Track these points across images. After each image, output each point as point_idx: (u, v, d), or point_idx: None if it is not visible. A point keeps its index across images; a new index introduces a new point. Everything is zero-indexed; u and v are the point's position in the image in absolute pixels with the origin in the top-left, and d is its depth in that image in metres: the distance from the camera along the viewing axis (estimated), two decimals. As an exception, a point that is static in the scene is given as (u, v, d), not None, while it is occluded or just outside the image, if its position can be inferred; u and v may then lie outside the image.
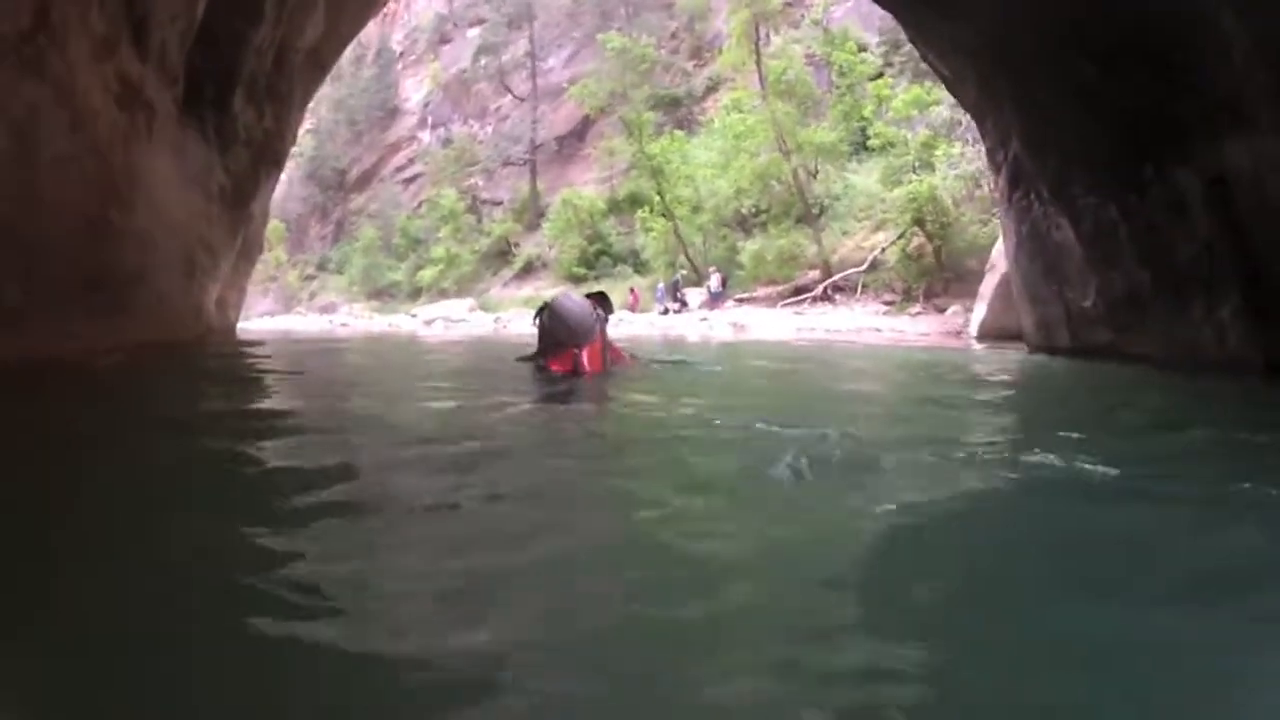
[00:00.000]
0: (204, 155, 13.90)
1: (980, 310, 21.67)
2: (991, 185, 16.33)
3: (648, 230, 41.66)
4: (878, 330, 24.64)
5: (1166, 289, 10.60)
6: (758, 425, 5.28)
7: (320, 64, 18.49)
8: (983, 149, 28.66)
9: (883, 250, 31.60)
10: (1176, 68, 9.21)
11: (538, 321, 8.41)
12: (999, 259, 21.48)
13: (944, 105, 30.60)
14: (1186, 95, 9.25)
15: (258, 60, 14.64)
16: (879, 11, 44.22)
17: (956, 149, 29.44)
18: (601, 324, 8.21)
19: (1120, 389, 9.32)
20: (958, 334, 23.31)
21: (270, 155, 16.92)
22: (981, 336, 20.72)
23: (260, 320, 46.72)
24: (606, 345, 8.38)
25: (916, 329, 24.88)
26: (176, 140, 12.67)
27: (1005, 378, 10.88)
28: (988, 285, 21.80)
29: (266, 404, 7.92)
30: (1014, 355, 14.27)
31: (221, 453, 4.70)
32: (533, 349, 8.67)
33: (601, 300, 8.47)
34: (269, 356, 13.68)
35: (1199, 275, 9.94)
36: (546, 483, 3.98)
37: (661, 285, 36.93)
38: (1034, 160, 12.74)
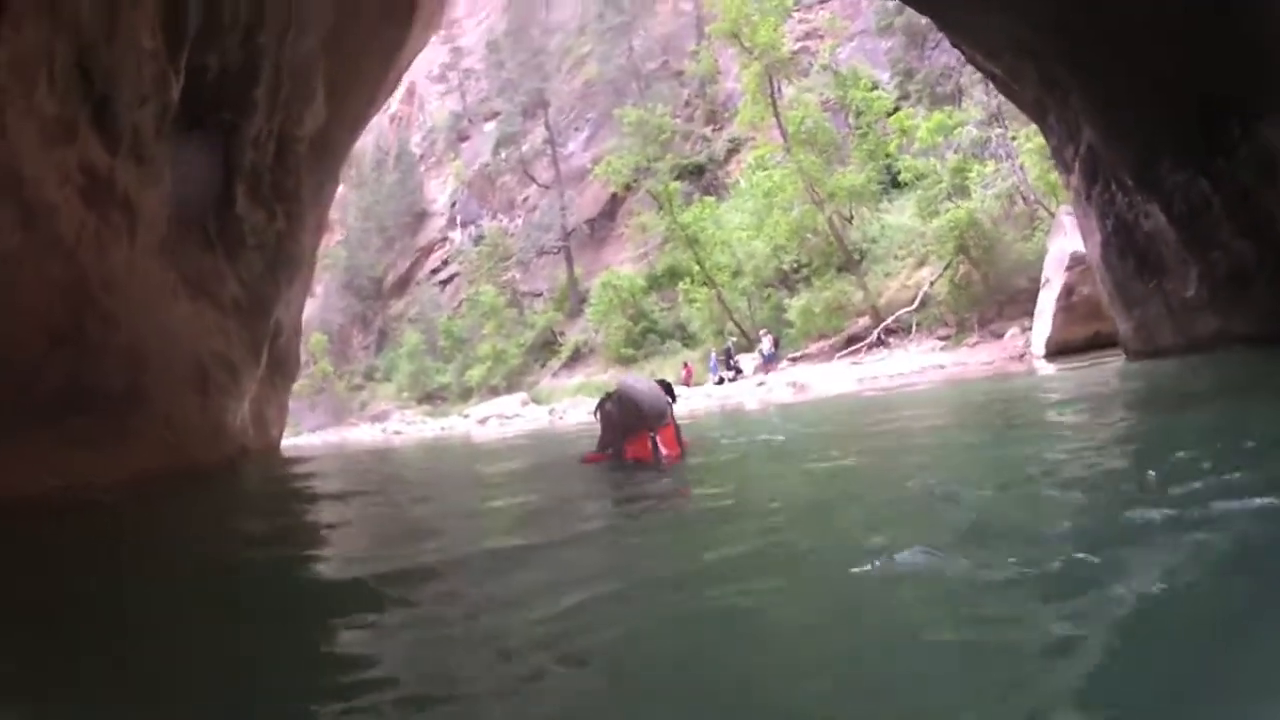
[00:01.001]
0: (209, 262, 12.78)
1: (1042, 327, 21.16)
2: (1065, 183, 15.04)
3: (691, 301, 41.33)
4: (941, 367, 24.01)
5: (1269, 259, 9.84)
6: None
7: (329, 155, 17.31)
8: (1015, 161, 28.64)
9: (931, 284, 31.18)
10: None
11: (600, 412, 7.91)
12: (1053, 271, 21.07)
13: (970, 125, 30.24)
14: (1258, 33, 8.63)
15: (255, 153, 13.51)
16: (884, 46, 45.34)
17: (990, 167, 28.92)
18: (670, 406, 7.75)
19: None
20: (1020, 357, 22.90)
21: (287, 259, 15.73)
22: (1049, 354, 20.20)
23: (310, 435, 46.65)
24: (679, 430, 7.85)
25: (978, 359, 24.47)
26: (170, 245, 11.39)
27: (1135, 393, 10.27)
28: (1045, 300, 21.40)
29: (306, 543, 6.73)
30: (1110, 367, 13.55)
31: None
32: (593, 442, 8.18)
33: (665, 388, 7.96)
34: (313, 475, 13.21)
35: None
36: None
37: (713, 355, 36.27)
38: (1113, 146, 11.89)
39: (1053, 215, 25.36)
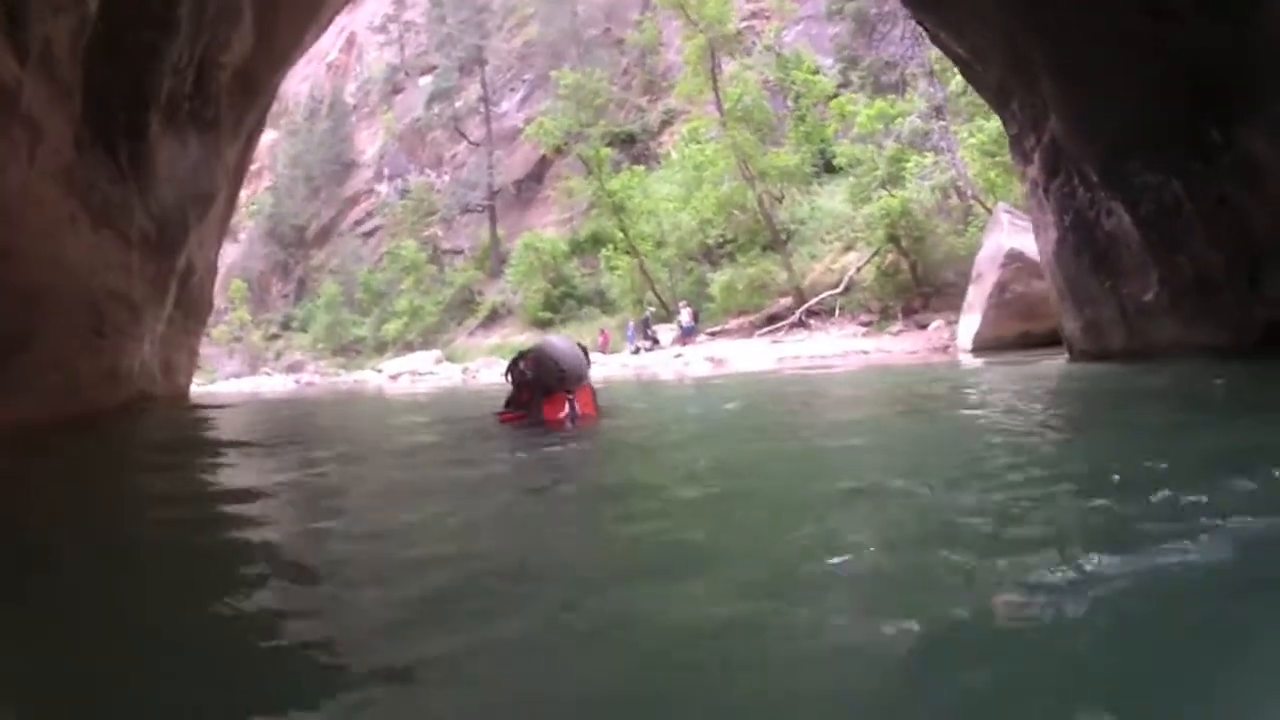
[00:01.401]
0: (117, 192, 11.44)
1: (972, 321, 20.99)
2: (1020, 174, 14.36)
3: (613, 269, 41.05)
4: (864, 352, 23.94)
5: (1241, 268, 9.40)
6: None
7: (254, 87, 15.82)
8: (955, 155, 28.56)
9: (858, 270, 31.11)
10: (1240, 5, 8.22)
11: (513, 372, 7.59)
12: (986, 267, 20.91)
13: (914, 115, 30.20)
14: (1255, 38, 8.21)
15: (175, 80, 12.22)
16: (829, 32, 45.33)
17: (929, 159, 28.88)
18: (587, 369, 7.50)
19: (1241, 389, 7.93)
20: (945, 349, 22.83)
21: (200, 194, 14.48)
22: (977, 349, 20.01)
23: (226, 383, 46.02)
24: (595, 392, 7.64)
25: (902, 347, 24.33)
26: (75, 171, 10.12)
27: (1074, 389, 9.98)
28: (977, 295, 21.17)
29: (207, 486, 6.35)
30: (1050, 364, 13.22)
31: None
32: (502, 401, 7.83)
33: (582, 351, 7.66)
34: (217, 425, 12.50)
35: (1280, 246, 8.85)
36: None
37: (631, 324, 36.09)
38: (1078, 139, 11.35)
39: (989, 212, 25.34)
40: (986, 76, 13.37)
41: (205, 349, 58.93)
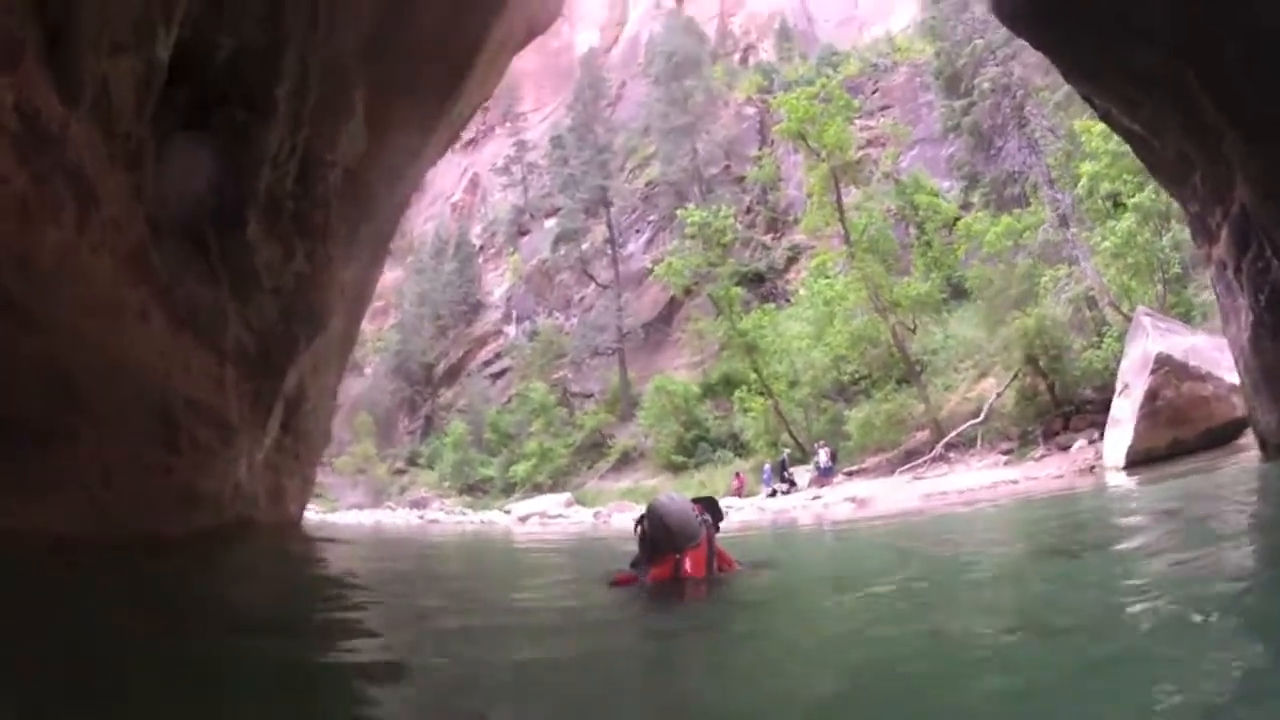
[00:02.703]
0: (207, 295, 10.21)
1: (1120, 435, 20.12)
2: (1205, 257, 13.04)
3: (746, 411, 40.30)
4: (1014, 482, 22.82)
5: None
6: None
7: (370, 197, 14.76)
8: (1088, 264, 27.66)
9: (997, 396, 30.28)
10: None
11: (639, 529, 7.24)
12: (1133, 376, 20.22)
13: (1046, 226, 29.60)
14: None
15: (274, 172, 10.93)
16: (944, 153, 45.13)
17: (1062, 270, 28.19)
18: (709, 528, 7.08)
19: None
20: (1090, 469, 21.97)
21: (307, 311, 13.08)
22: (1129, 465, 19.05)
23: (347, 513, 46.18)
24: (714, 552, 7.17)
25: (1046, 472, 23.39)
26: (147, 256, 8.78)
27: None
28: (1121, 408, 20.50)
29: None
30: (1245, 467, 12.34)
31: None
32: (628, 557, 7.49)
33: (709, 506, 7.36)
34: (329, 560, 12.24)
35: None
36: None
37: (768, 466, 35.20)
38: (1271, 203, 10.27)
39: (1127, 319, 24.68)
40: (1163, 151, 12.38)
41: (328, 479, 60.15)
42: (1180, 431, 18.45)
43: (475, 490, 57.17)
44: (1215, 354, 19.51)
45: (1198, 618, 4.32)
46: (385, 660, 4.60)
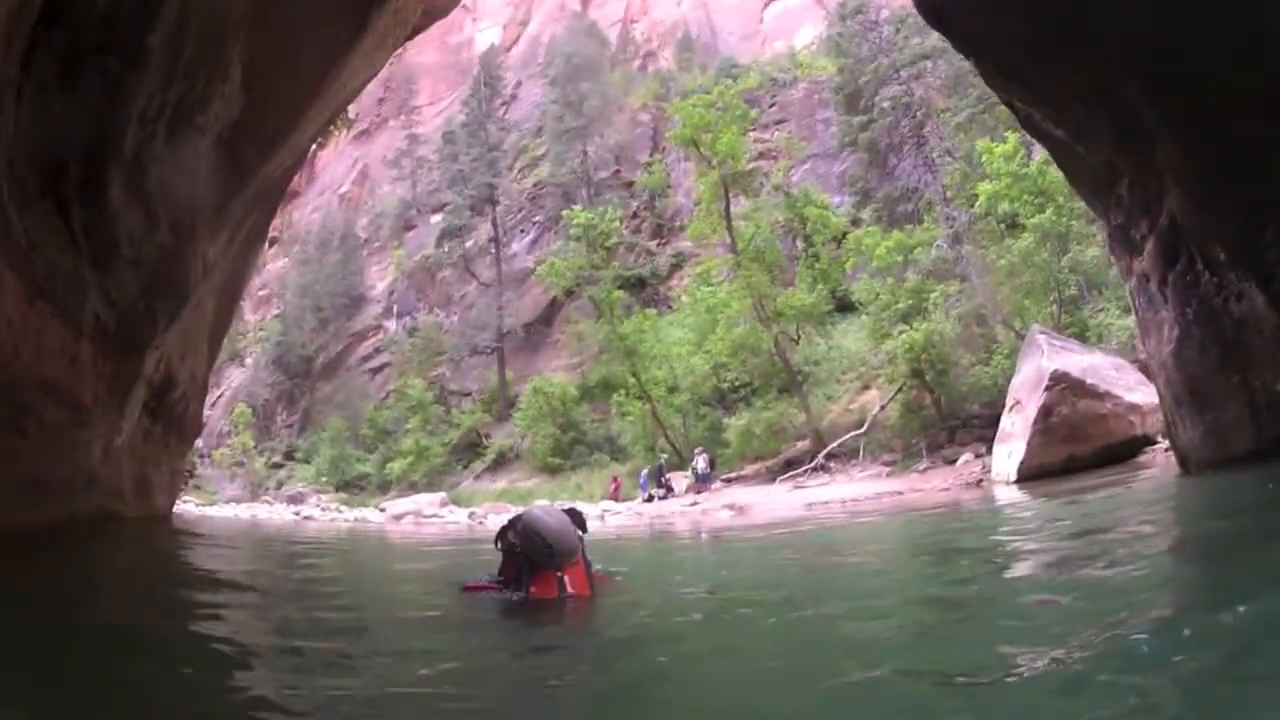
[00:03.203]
0: (66, 263, 9.45)
1: (1011, 451, 20.32)
2: (1125, 270, 12.71)
3: (624, 415, 40.34)
4: (899, 493, 23.09)
5: None
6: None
7: (243, 169, 13.44)
8: (982, 283, 27.96)
9: (881, 408, 30.54)
10: None
11: (503, 540, 6.88)
12: (1026, 393, 20.45)
13: (939, 242, 29.97)
14: None
15: (142, 130, 9.95)
16: (837, 170, 45.67)
17: (954, 287, 28.55)
18: (581, 541, 6.76)
19: None
20: (978, 483, 22.16)
21: (170, 287, 12.14)
22: (1022, 479, 19.21)
23: (224, 507, 45.06)
24: (589, 565, 6.90)
25: (932, 485, 23.62)
26: (9, 221, 8.21)
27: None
28: (1013, 424, 20.72)
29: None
30: (1161, 482, 12.44)
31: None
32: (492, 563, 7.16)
33: (575, 518, 6.96)
34: (191, 556, 11.63)
35: None
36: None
37: (645, 472, 35.01)
38: (1206, 214, 10.01)
39: (1019, 337, 25.20)
40: (1089, 158, 11.90)
41: (207, 471, 58.83)
42: (1076, 448, 18.72)
43: (351, 487, 56.26)
44: (1112, 373, 20.01)
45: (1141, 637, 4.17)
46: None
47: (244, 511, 41.71)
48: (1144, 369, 21.31)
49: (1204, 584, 5.03)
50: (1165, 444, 18.17)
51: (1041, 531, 10.18)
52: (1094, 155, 11.62)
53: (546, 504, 7.29)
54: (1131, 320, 25.06)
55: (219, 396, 74.50)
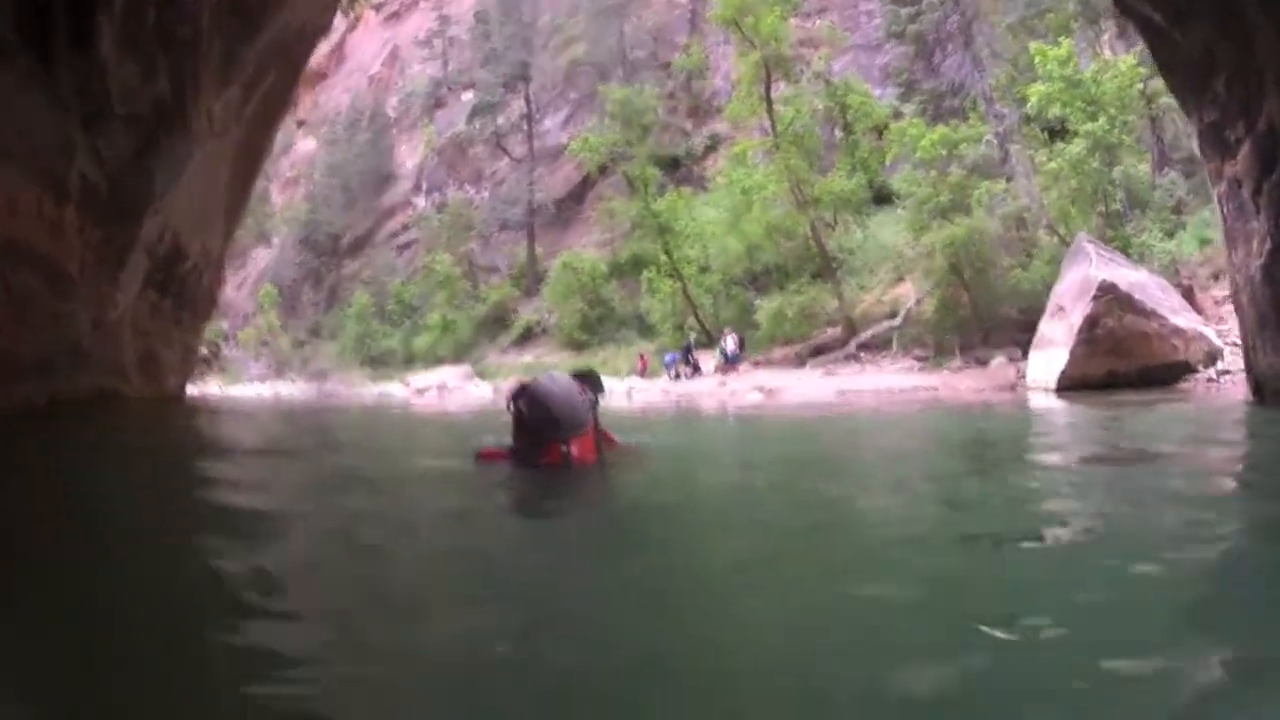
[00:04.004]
0: (51, 120, 8.73)
1: (1051, 358, 19.75)
2: (1214, 173, 11.59)
3: (653, 292, 40.10)
4: (934, 389, 22.63)
5: None
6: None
7: (250, 16, 12.46)
8: (1030, 182, 27.23)
9: (917, 301, 30.05)
10: None
11: (513, 407, 6.42)
12: (1071, 300, 19.74)
13: (989, 139, 29.21)
14: None
15: None
16: (879, 62, 44.48)
17: (1000, 185, 27.86)
18: (593, 409, 6.42)
19: None
20: (1011, 387, 21.67)
21: (168, 147, 11.14)
22: (1060, 389, 18.56)
23: (249, 386, 45.28)
24: (600, 434, 6.52)
25: (965, 384, 23.04)
26: None
27: None
28: (1054, 331, 20.11)
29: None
30: (1224, 408, 11.69)
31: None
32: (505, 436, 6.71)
33: (590, 381, 6.60)
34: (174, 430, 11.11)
35: None
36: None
37: (674, 353, 34.86)
38: None
39: (1064, 243, 24.48)
40: (1185, 46, 10.91)
41: (232, 352, 59.05)
42: (1119, 363, 18.15)
43: (376, 363, 56.65)
44: (1158, 293, 19.30)
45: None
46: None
47: (266, 390, 41.90)
48: (1187, 294, 20.74)
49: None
50: (1209, 373, 17.81)
51: (1107, 443, 9.18)
52: (1191, 42, 10.69)
53: (556, 373, 6.78)
54: (1173, 244, 24.62)
55: (245, 278, 74.75)
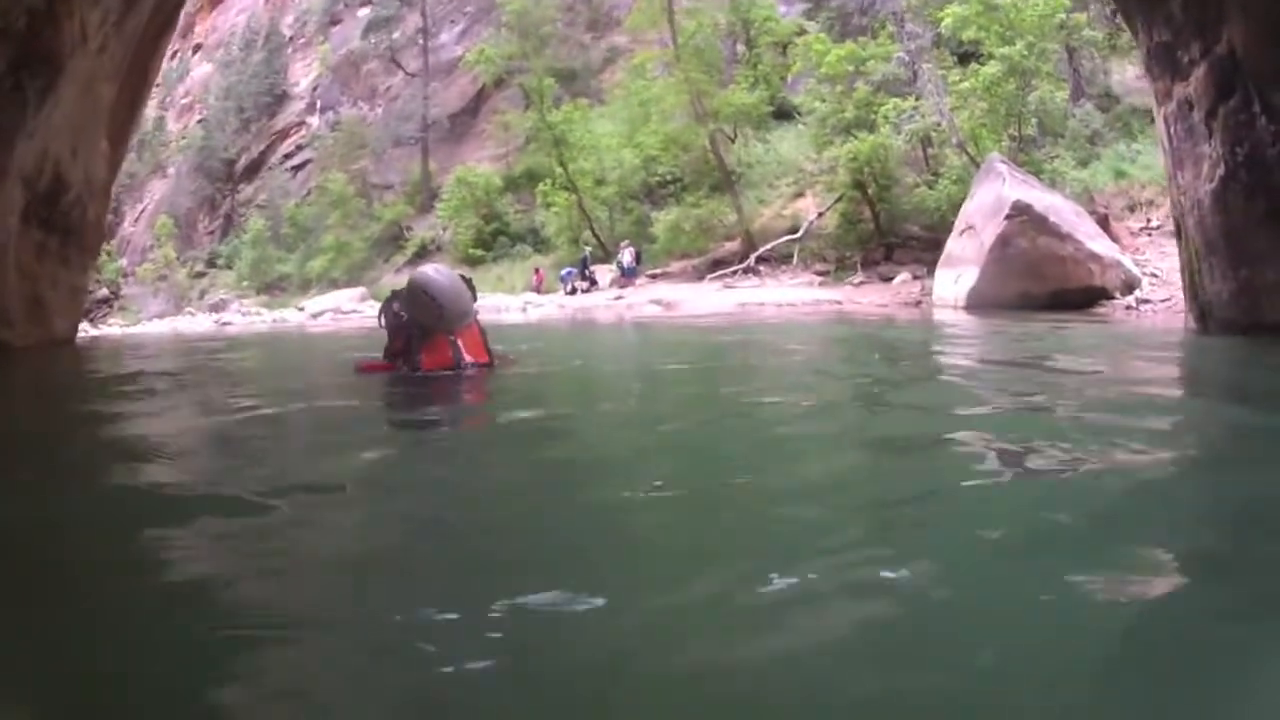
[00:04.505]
0: None
1: (962, 276, 19.41)
2: (1161, 92, 10.98)
3: (549, 206, 39.35)
4: (837, 302, 22.58)
5: None
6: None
7: None
8: (942, 100, 26.75)
9: (820, 215, 29.80)
10: None
11: (387, 314, 6.20)
12: (983, 220, 19.34)
13: (899, 56, 28.84)
14: None
15: None
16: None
17: (909, 102, 27.52)
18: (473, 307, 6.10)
19: None
20: (917, 304, 21.65)
21: (41, 59, 10.57)
22: (970, 306, 18.28)
23: (149, 324, 44.26)
24: (484, 333, 6.19)
25: (869, 299, 23.06)
26: None
27: None
28: (963, 248, 19.84)
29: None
30: (1166, 338, 10.85)
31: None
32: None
33: (466, 284, 6.18)
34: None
35: None
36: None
37: (570, 268, 34.35)
38: (1270, 51, 8.65)
39: (974, 162, 24.24)
40: None
41: (131, 290, 57.35)
42: (1032, 286, 17.72)
43: (273, 289, 55.78)
44: (1073, 217, 18.95)
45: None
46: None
47: (165, 326, 41.09)
48: (1102, 222, 20.41)
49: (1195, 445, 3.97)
50: (1128, 300, 17.44)
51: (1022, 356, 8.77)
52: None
53: (436, 264, 6.28)
54: (1086, 174, 24.45)
55: (143, 210, 72.70)
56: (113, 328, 40.32)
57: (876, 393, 5.87)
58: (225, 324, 38.85)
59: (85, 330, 38.90)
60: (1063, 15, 25.31)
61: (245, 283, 58.00)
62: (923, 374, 7.17)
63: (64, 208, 13.34)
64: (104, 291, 55.68)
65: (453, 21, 59.72)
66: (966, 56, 28.41)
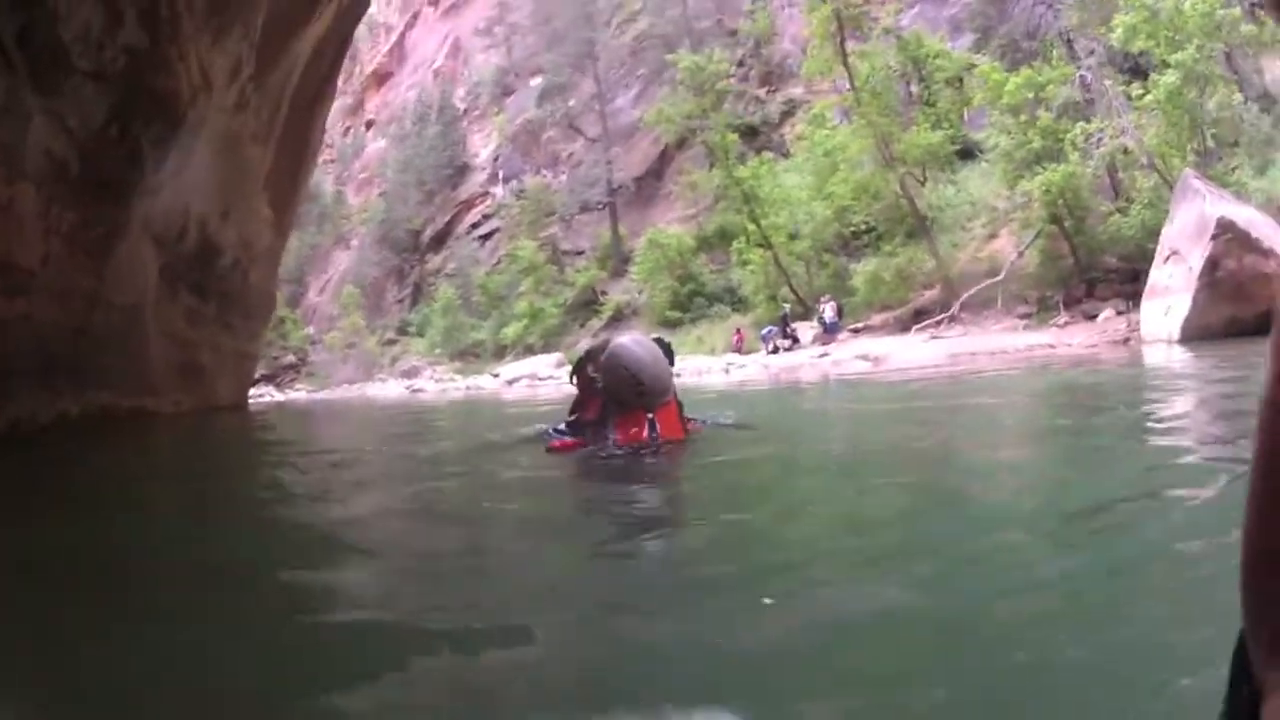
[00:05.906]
0: None
1: (1172, 307, 18.40)
2: None
3: (744, 264, 39.15)
4: (1050, 346, 21.64)
5: None
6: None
7: None
8: (1127, 120, 25.89)
9: (1020, 254, 28.91)
10: None
11: (579, 376, 5.92)
12: (1186, 243, 18.48)
13: (1077, 76, 27.93)
14: None
15: None
16: (944, 14, 43.02)
17: (1095, 124, 26.45)
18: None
19: None
20: (1125, 341, 20.60)
21: (150, 103, 9.39)
22: (1185, 339, 17.39)
23: (337, 389, 45.69)
24: (681, 405, 5.86)
25: (1077, 340, 22.09)
26: None
27: None
28: (1169, 277, 18.90)
29: None
30: None
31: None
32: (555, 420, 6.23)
33: (662, 347, 5.87)
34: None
35: None
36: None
37: (770, 327, 34.03)
38: None
39: (1167, 184, 23.05)
40: None
41: (320, 357, 59.66)
42: (1239, 309, 16.57)
43: (466, 355, 56.84)
44: (1269, 230, 17.74)
45: None
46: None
47: (354, 392, 42.06)
48: None
49: None
50: None
51: None
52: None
53: (636, 334, 6.07)
54: (1265, 182, 23.23)
55: (327, 281, 75.41)
56: (299, 391, 41.53)
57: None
58: (417, 390, 39.52)
59: (270, 395, 40.21)
60: (1221, 12, 24.31)
61: (438, 349, 59.36)
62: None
63: (219, 272, 13.26)
64: (290, 358, 58.16)
65: (627, 85, 60.38)
66: (1134, 71, 27.64)
